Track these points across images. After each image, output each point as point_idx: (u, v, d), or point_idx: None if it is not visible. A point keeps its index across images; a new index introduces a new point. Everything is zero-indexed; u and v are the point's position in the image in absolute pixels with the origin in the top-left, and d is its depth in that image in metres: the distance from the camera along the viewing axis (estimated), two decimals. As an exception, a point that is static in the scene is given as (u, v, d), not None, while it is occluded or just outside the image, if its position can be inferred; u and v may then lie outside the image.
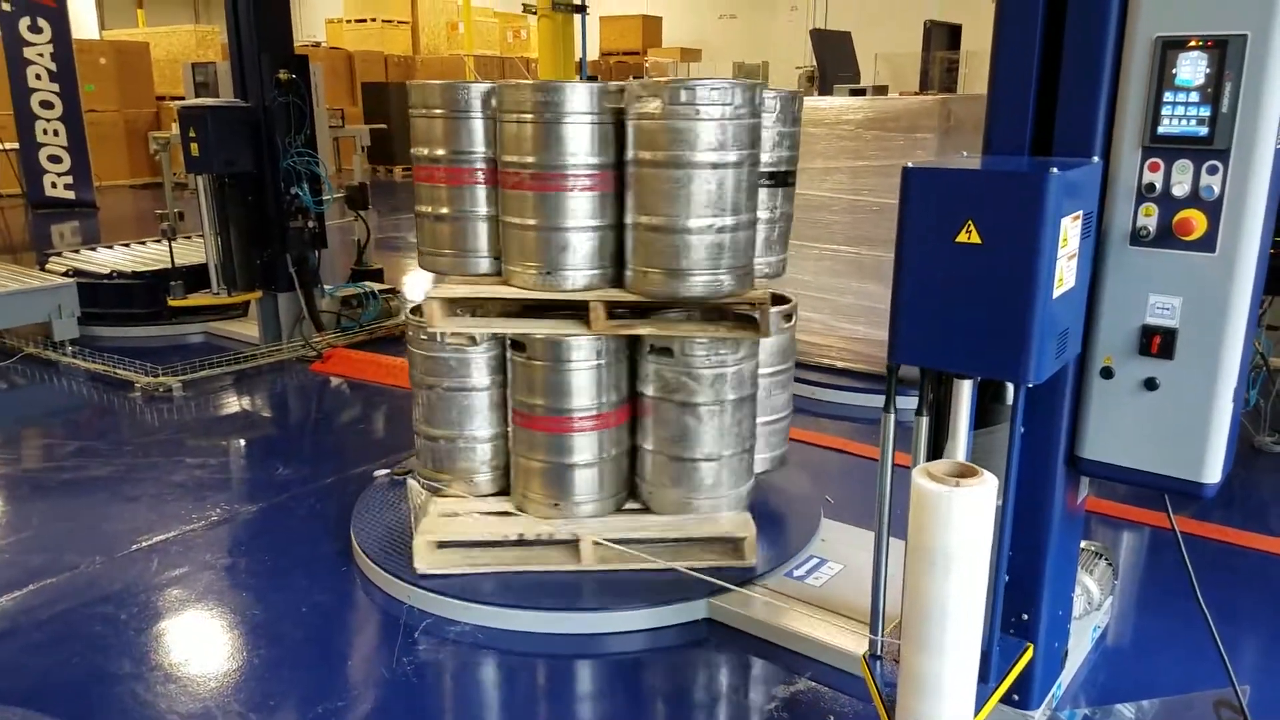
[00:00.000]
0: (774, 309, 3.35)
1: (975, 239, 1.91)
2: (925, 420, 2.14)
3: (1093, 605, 2.77)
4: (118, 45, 15.04)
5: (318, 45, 18.14)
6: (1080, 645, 2.78)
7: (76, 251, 7.37)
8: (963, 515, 1.86)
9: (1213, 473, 2.16)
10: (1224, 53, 1.95)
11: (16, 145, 11.72)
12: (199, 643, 3.00)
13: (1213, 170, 2.02)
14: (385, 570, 3.21)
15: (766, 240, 3.39)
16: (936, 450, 2.18)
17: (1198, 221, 2.04)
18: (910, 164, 1.98)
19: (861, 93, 6.10)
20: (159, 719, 2.62)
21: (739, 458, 3.31)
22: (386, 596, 3.19)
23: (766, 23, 21.40)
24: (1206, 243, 2.05)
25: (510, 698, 2.76)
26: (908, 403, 2.14)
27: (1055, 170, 1.85)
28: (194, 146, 5.49)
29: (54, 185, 11.86)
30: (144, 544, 3.59)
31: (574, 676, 2.82)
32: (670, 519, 3.29)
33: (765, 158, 3.24)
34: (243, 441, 4.69)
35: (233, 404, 5.24)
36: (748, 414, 3.32)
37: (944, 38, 11.57)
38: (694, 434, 3.21)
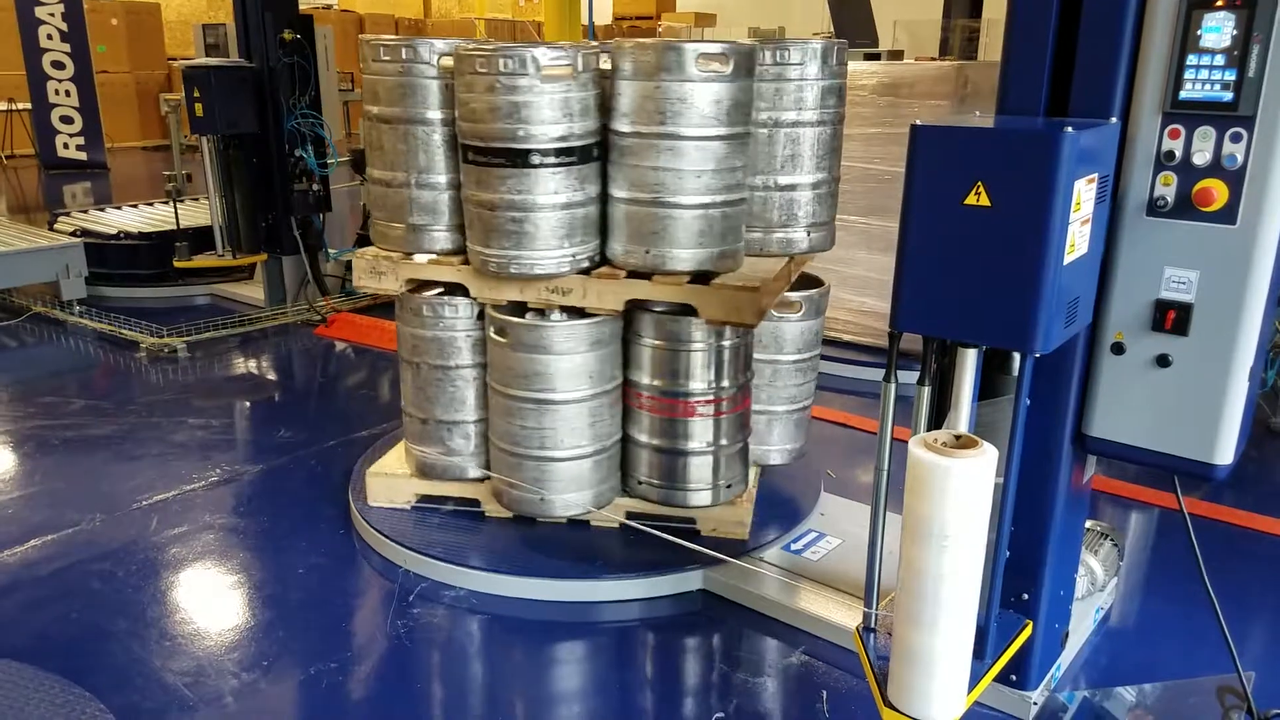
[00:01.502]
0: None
1: (984, 201, 1.84)
2: (927, 390, 2.08)
3: (1096, 586, 2.73)
4: (129, 6, 14.88)
5: (329, 7, 17.98)
6: (1082, 626, 2.73)
7: (85, 212, 7.35)
8: (960, 487, 1.81)
9: (1225, 454, 2.10)
10: (1252, 13, 1.87)
11: (29, 106, 11.70)
12: (196, 601, 2.99)
13: (1236, 138, 1.94)
14: (382, 534, 3.19)
15: (529, 233, 2.87)
16: (938, 422, 2.13)
17: (1219, 192, 1.97)
18: (919, 121, 1.91)
19: (876, 57, 5.97)
20: (154, 676, 2.61)
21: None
22: (383, 560, 3.17)
23: (784, -14, 21.00)
24: (1227, 214, 1.98)
25: (502, 664, 2.74)
26: (912, 377, 2.08)
27: (1070, 130, 1.78)
28: (198, 107, 5.44)
29: (66, 146, 11.83)
30: (144, 503, 3.58)
31: (566, 644, 2.80)
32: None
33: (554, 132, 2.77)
34: (246, 403, 4.67)
35: (237, 366, 5.22)
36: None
37: (965, 5, 11.34)
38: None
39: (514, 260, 2.92)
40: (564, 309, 3.08)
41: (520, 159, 2.80)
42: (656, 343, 3.05)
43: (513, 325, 3.00)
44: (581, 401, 3.03)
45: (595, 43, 2.99)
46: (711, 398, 3.07)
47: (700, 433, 3.09)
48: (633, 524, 3.13)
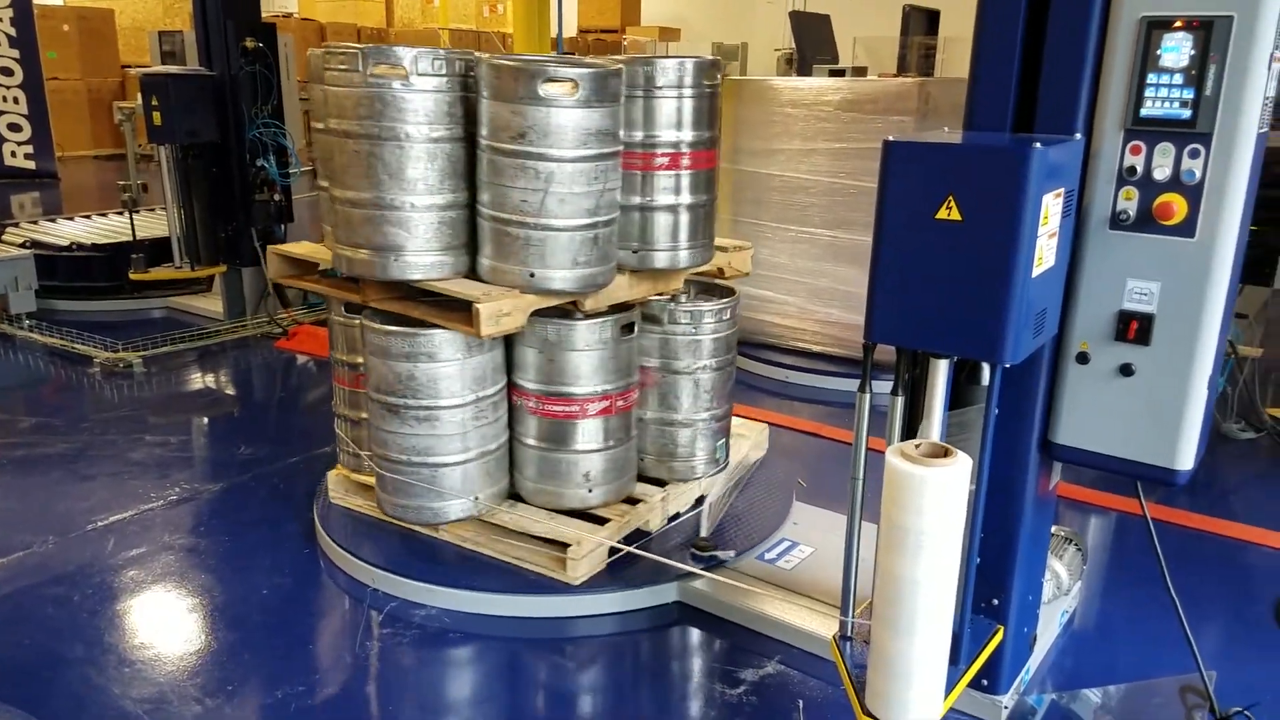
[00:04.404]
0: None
1: (955, 215, 1.87)
2: (900, 400, 2.11)
3: (1061, 590, 2.77)
4: (81, 11, 14.62)
5: (289, 16, 17.80)
6: (1049, 630, 2.78)
7: (35, 223, 7.17)
8: (936, 495, 1.83)
9: (1186, 460, 2.15)
10: (1209, 34, 1.92)
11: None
12: (155, 625, 2.92)
13: (1194, 154, 1.99)
14: (348, 552, 3.15)
15: None
16: (911, 431, 2.15)
17: (1178, 206, 2.02)
18: (892, 137, 1.94)
19: (840, 74, 6.06)
20: (112, 704, 2.55)
21: None
22: (350, 579, 3.13)
23: (747, 4, 21.24)
24: (1186, 227, 2.03)
25: (476, 682, 2.71)
26: (884, 387, 2.11)
27: (1038, 145, 1.82)
28: (156, 116, 5.35)
29: (13, 154, 11.56)
30: (100, 524, 3.49)
31: (541, 659, 2.78)
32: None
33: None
34: (205, 419, 4.59)
35: (195, 381, 5.13)
36: None
37: (922, 23, 11.51)
38: None
39: None
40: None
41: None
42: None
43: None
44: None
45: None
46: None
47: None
48: (618, 544, 3.12)
